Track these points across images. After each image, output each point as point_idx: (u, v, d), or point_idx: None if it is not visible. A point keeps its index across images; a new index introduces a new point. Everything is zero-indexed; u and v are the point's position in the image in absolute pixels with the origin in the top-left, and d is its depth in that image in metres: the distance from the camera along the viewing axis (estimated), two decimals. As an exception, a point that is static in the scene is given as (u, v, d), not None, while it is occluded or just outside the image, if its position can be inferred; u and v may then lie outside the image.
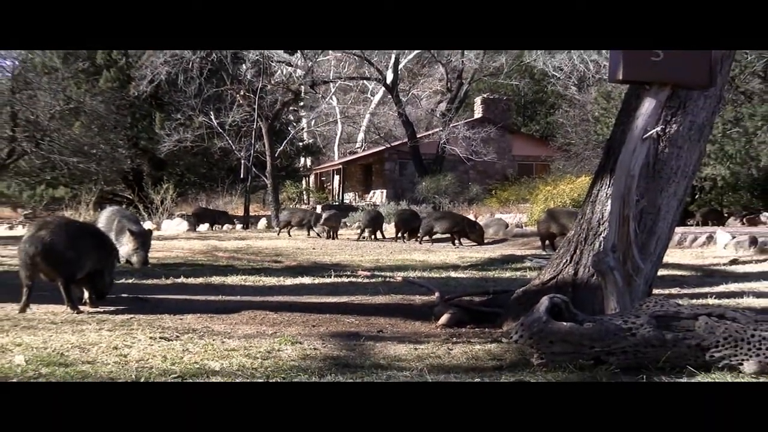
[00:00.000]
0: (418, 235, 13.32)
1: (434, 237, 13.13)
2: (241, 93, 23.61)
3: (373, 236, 14.61)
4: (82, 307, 4.77)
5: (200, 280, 6.80)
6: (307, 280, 6.91)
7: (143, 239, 7.56)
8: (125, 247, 7.51)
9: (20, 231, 18.69)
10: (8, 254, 9.49)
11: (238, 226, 19.70)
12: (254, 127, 22.65)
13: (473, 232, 12.55)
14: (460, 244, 12.42)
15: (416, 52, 30.75)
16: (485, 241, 12.91)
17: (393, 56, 28.78)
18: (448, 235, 12.84)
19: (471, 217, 16.71)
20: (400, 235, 14.12)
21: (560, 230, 9.64)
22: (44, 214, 24.88)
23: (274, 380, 2.81)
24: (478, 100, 31.57)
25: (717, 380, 2.88)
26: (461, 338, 3.94)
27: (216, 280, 6.83)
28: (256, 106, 22.34)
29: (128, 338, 3.73)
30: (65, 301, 4.70)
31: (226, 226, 19.20)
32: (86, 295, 5.00)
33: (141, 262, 7.34)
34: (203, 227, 18.80)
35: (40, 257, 4.57)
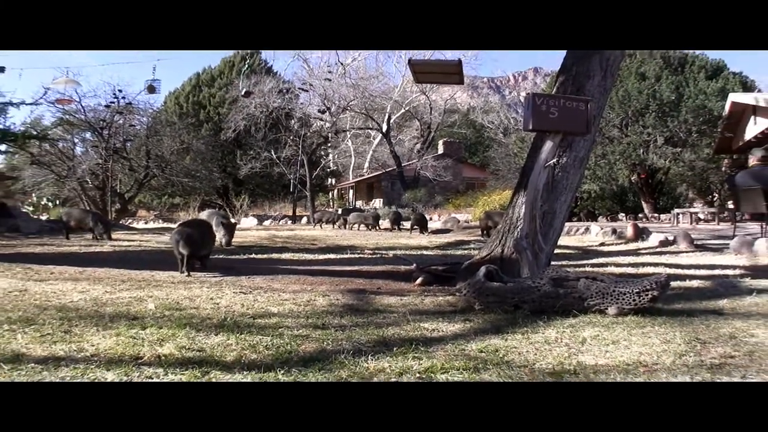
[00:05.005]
0: (402, 227, 13.48)
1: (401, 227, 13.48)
2: (291, 137, 23.59)
3: (374, 228, 14.61)
4: (193, 273, 4.76)
5: (264, 256, 6.80)
6: (332, 256, 6.90)
7: (231, 229, 7.67)
8: (218, 234, 7.55)
9: (152, 225, 18.69)
10: (143, 239, 9.47)
11: (289, 222, 19.63)
12: (299, 159, 22.66)
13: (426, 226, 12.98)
14: (427, 233, 12.42)
15: (402, 111, 30.77)
16: (445, 230, 13.22)
17: (387, 114, 28.89)
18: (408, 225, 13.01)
19: (435, 216, 16.85)
20: (393, 227, 14.21)
21: (493, 224, 9.59)
22: (167, 214, 25.01)
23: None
24: (440, 142, 31.69)
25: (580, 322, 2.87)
26: (430, 293, 3.93)
27: (274, 256, 6.83)
28: (300, 146, 22.36)
29: (219, 292, 3.72)
30: (180, 267, 4.73)
31: (283, 221, 19.07)
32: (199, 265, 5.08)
33: (227, 244, 7.42)
34: (268, 222, 18.75)
35: (183, 242, 4.74)
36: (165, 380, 1.86)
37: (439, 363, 2.06)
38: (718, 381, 1.86)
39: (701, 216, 14.54)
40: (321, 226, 15.59)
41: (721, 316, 2.92)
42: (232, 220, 10.05)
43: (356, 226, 14.11)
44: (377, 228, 13.96)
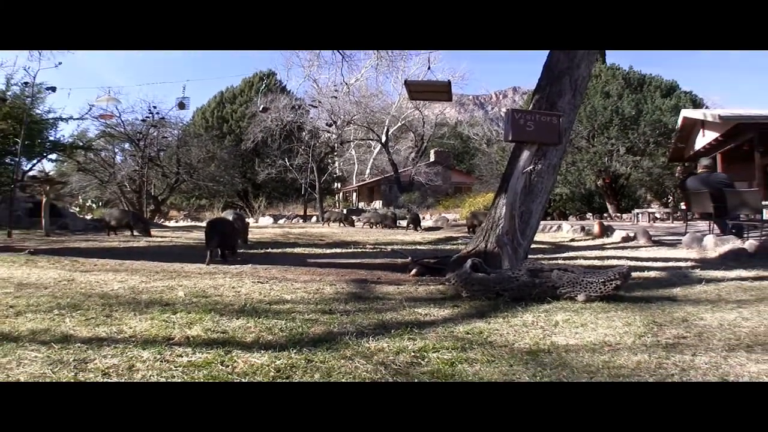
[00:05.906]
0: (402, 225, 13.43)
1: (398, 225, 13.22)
2: (302, 147, 23.57)
3: (375, 226, 14.56)
4: (216, 265, 4.74)
5: (279, 250, 6.78)
6: (338, 250, 6.89)
7: (244, 227, 7.58)
8: None
9: (182, 224, 18.65)
10: (174, 236, 9.45)
11: (300, 221, 19.57)
12: (309, 166, 22.64)
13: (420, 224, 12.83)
14: (420, 230, 12.41)
15: (399, 125, 30.68)
16: (436, 228, 13.18)
17: (385, 127, 28.87)
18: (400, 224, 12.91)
19: (427, 215, 16.80)
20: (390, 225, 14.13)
21: (478, 222, 9.56)
22: (195, 214, 25.00)
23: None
24: (432, 151, 31.68)
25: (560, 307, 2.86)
26: (423, 283, 3.92)
27: (288, 250, 6.81)
28: (310, 155, 22.33)
29: (240, 282, 3.71)
30: (206, 260, 4.73)
31: (301, 221, 18.91)
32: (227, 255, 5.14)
33: (243, 241, 7.35)
34: (282, 221, 18.69)
35: (213, 234, 4.85)
36: (179, 365, 1.86)
37: (431, 343, 2.06)
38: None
39: (658, 215, 14.55)
40: (329, 224, 15.58)
41: (675, 302, 2.93)
42: (247, 220, 9.99)
43: (374, 225, 13.93)
44: (384, 227, 13.98)
